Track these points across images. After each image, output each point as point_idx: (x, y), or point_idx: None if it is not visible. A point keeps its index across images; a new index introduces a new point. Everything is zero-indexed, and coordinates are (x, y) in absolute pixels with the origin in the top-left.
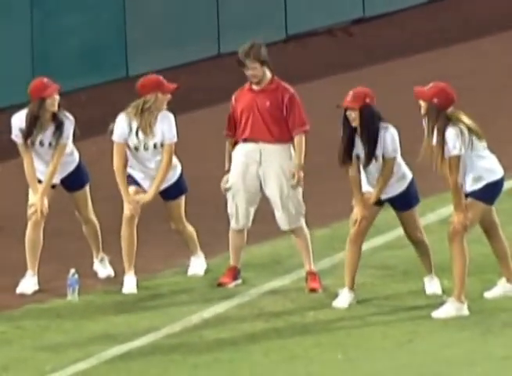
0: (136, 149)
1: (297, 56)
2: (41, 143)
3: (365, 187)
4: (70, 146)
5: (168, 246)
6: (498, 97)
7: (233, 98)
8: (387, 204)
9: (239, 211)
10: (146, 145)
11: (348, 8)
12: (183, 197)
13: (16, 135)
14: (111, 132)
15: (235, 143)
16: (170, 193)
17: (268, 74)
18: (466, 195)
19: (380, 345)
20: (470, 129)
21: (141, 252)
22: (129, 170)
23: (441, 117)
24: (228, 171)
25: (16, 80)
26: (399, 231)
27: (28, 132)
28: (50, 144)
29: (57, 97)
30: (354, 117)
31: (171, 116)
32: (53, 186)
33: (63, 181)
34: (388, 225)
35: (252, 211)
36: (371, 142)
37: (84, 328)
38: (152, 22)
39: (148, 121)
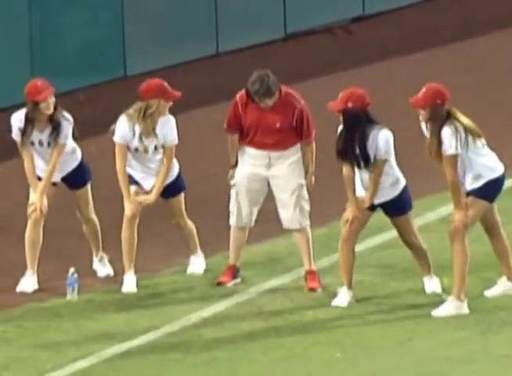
0: (137, 150)
1: (296, 55)
2: (41, 143)
3: (359, 191)
4: (72, 144)
5: (168, 245)
6: (497, 95)
7: (238, 102)
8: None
9: (241, 209)
10: (147, 147)
11: (348, 6)
12: (182, 195)
13: (16, 134)
14: (112, 133)
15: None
16: (169, 192)
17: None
18: (467, 193)
19: (380, 344)
20: (466, 128)
21: (140, 251)
22: (129, 170)
23: (443, 114)
24: (235, 165)
25: (14, 80)
26: None
27: (25, 133)
28: (49, 144)
29: (52, 100)
30: (341, 119)
31: (172, 119)
32: (54, 184)
33: (66, 178)
34: (387, 224)
35: (256, 210)
36: (356, 145)
37: (83, 327)
38: (150, 21)
39: (150, 126)
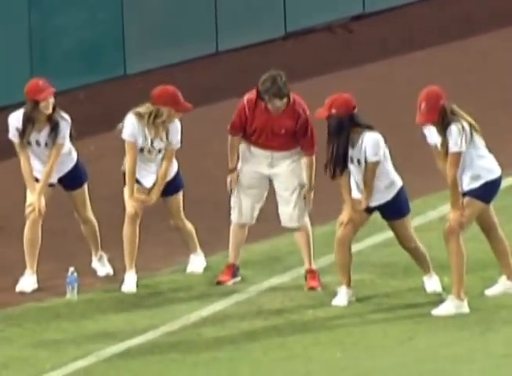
0: (142, 150)
1: (296, 53)
2: (38, 143)
3: (355, 193)
4: (68, 146)
5: (168, 244)
6: (497, 95)
7: (246, 105)
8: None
9: (243, 206)
10: (151, 150)
11: (348, 4)
12: (181, 193)
13: (14, 135)
14: (120, 131)
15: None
16: (168, 190)
17: (286, 101)
18: (464, 194)
19: (380, 343)
20: (471, 125)
21: (140, 250)
22: None
23: (447, 111)
24: (233, 170)
25: (14, 79)
26: None
27: (23, 132)
28: (46, 144)
29: (51, 100)
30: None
31: (178, 123)
32: (51, 185)
33: (61, 180)
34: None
35: (257, 207)
36: (337, 154)
37: (83, 327)
38: (150, 20)
39: (161, 132)
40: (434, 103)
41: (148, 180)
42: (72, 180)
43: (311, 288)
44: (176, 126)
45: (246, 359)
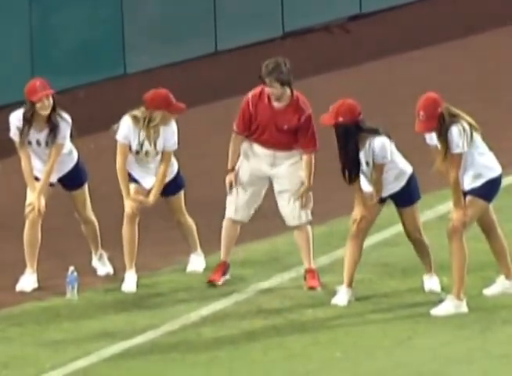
0: (138, 153)
1: (294, 53)
2: (38, 143)
3: (366, 187)
4: (69, 145)
5: (167, 244)
6: (495, 93)
7: (250, 101)
8: (389, 200)
9: (239, 202)
10: (148, 153)
11: (345, 4)
12: (182, 192)
13: (14, 134)
14: (115, 132)
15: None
16: (169, 190)
17: (288, 93)
18: (465, 193)
19: (379, 343)
20: (470, 124)
21: (140, 250)
22: (129, 169)
23: (445, 115)
24: (232, 169)
25: (14, 78)
26: (398, 228)
27: (23, 132)
28: (47, 144)
29: (48, 102)
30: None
31: (173, 125)
32: (51, 185)
33: (62, 180)
34: (387, 222)
35: (254, 207)
36: (349, 160)
37: (83, 326)
38: (149, 19)
39: (154, 136)
40: (432, 112)
41: (147, 181)
42: (72, 180)
43: (311, 288)
44: (172, 128)
45: (246, 359)
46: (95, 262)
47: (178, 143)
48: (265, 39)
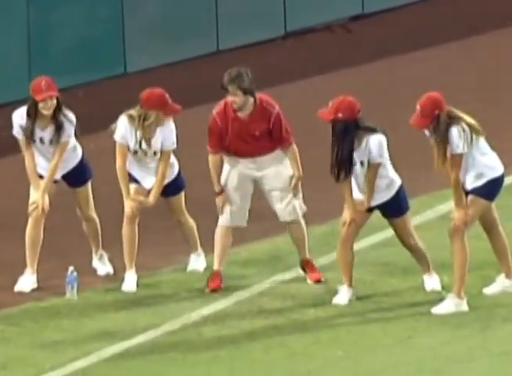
0: (136, 153)
1: (295, 53)
2: (42, 141)
3: (356, 194)
4: (73, 142)
5: (168, 243)
6: (496, 94)
7: (217, 118)
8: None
9: (233, 208)
10: (146, 151)
11: (347, 4)
12: (182, 193)
13: (17, 132)
14: (113, 132)
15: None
16: (169, 191)
17: (251, 101)
18: (467, 192)
19: (380, 342)
20: (470, 126)
21: (140, 250)
22: (128, 168)
23: (445, 118)
24: (220, 192)
25: (13, 76)
26: None
27: (26, 130)
28: (51, 142)
29: (50, 103)
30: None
31: (171, 124)
32: (55, 182)
33: (66, 176)
34: (387, 221)
35: (247, 209)
36: (342, 158)
37: (83, 326)
38: (150, 18)
39: (149, 135)
40: (428, 111)
41: (147, 181)
42: (76, 177)
43: (317, 281)
44: (170, 127)
45: (247, 359)
46: (95, 263)
47: (178, 143)
48: (267, 39)
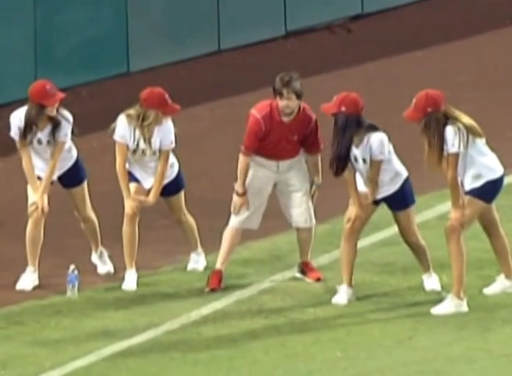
0: (135, 152)
1: (296, 52)
2: (39, 141)
3: (361, 187)
4: (68, 143)
5: (168, 242)
6: (497, 94)
7: (262, 122)
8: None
9: (251, 211)
10: (145, 151)
11: (347, 4)
12: (182, 193)
13: (15, 133)
14: (113, 131)
15: None
16: (169, 190)
17: (298, 106)
18: (465, 193)
19: (380, 343)
20: (467, 127)
21: (140, 249)
22: (128, 168)
23: (439, 117)
24: (243, 194)
25: (18, 76)
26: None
27: (25, 132)
28: (48, 142)
29: (57, 104)
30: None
31: (169, 123)
32: (51, 182)
33: (61, 178)
34: (387, 221)
35: (262, 212)
36: (339, 153)
37: (83, 325)
38: (153, 18)
39: (148, 135)
40: (421, 107)
41: (148, 181)
42: (71, 178)
43: (317, 280)
44: (168, 126)
45: (247, 358)
46: (94, 258)
47: (179, 142)
48: (268, 38)
